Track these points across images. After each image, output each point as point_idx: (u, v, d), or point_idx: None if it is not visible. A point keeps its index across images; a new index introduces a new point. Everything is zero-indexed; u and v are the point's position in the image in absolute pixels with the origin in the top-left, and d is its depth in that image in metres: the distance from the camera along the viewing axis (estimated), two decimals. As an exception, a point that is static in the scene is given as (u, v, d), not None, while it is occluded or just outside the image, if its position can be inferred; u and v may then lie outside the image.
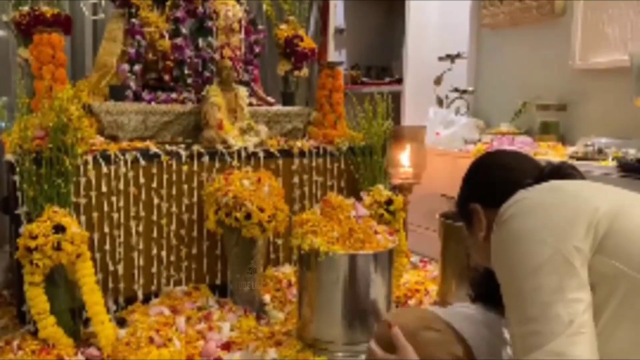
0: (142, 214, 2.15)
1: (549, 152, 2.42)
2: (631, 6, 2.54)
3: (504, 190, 0.97)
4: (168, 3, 2.52)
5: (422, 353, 1.09)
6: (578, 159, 2.24)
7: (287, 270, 2.45)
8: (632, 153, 2.14)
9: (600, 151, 2.24)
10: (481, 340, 1.15)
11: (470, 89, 3.33)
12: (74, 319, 1.88)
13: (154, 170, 2.16)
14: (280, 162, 2.43)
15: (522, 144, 2.64)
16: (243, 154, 2.34)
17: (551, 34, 2.92)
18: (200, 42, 2.56)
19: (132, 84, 2.38)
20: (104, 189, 2.06)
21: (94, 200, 2.04)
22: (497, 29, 3.25)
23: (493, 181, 1.05)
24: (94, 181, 2.03)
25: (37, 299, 1.76)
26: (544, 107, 2.83)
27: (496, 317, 1.20)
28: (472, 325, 1.17)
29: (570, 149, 2.44)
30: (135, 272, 2.15)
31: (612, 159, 2.15)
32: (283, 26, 2.80)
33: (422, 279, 2.54)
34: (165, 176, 2.19)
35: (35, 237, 1.72)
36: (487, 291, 1.25)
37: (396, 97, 3.58)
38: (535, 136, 2.79)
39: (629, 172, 1.98)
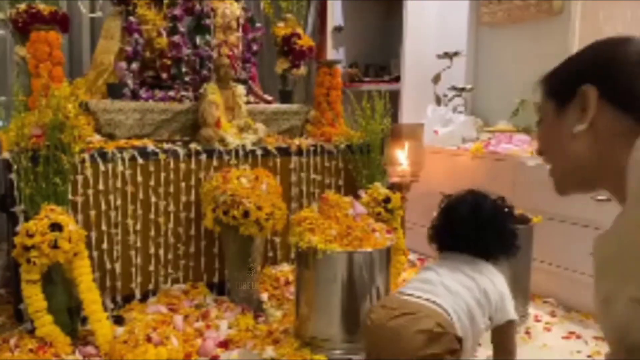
0: (140, 212, 2.14)
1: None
2: (628, 5, 2.54)
3: None
4: (166, 1, 2.51)
5: (395, 339, 1.33)
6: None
7: (285, 269, 2.46)
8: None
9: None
10: (457, 305, 1.39)
11: (469, 87, 3.33)
12: (71, 317, 1.88)
13: (152, 169, 2.16)
14: (278, 160, 2.43)
15: (520, 142, 2.64)
16: (241, 152, 2.34)
17: (549, 32, 2.92)
18: (198, 40, 2.55)
19: (130, 82, 2.37)
20: (101, 187, 2.05)
21: (91, 199, 2.03)
22: (496, 27, 3.25)
23: (633, 70, 0.72)
24: (91, 179, 2.03)
25: (34, 297, 1.76)
26: (542, 105, 2.83)
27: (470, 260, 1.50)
28: (450, 296, 1.41)
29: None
30: (133, 270, 2.15)
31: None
32: (281, 24, 2.79)
33: (420, 277, 2.54)
34: (162, 174, 2.18)
35: (32, 235, 1.72)
36: (449, 238, 1.57)
37: (394, 95, 3.57)
38: (534, 134, 2.79)
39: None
